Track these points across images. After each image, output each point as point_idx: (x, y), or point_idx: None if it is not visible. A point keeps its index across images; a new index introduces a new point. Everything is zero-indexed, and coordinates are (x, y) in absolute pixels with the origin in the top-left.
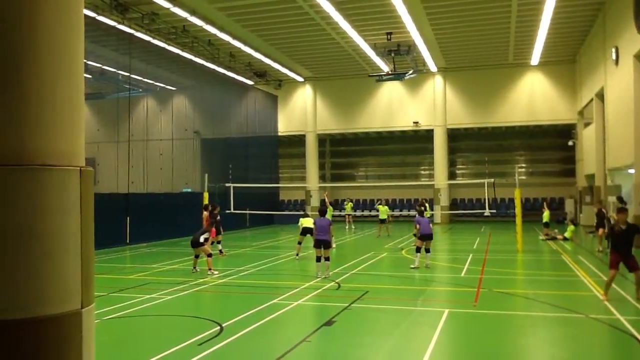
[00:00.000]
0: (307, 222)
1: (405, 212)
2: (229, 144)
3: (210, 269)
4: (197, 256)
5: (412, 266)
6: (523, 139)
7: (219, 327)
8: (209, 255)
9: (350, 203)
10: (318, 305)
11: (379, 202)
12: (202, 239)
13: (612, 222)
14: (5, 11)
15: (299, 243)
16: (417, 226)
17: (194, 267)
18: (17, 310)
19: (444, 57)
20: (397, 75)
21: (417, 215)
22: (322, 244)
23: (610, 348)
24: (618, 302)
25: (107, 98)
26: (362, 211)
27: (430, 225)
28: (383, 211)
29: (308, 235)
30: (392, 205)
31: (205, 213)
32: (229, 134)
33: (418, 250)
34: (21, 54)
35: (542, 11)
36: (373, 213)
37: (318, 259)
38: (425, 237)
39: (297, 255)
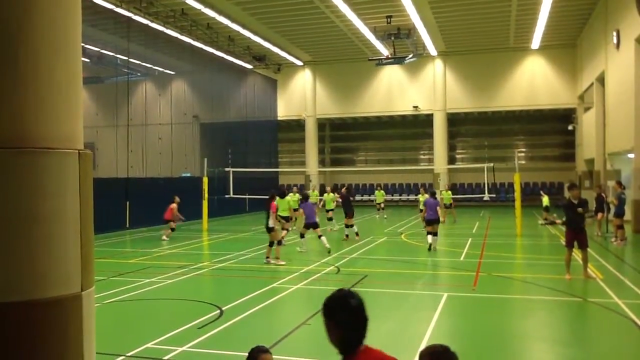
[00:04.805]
0: (282, 207)
1: (404, 197)
2: (228, 129)
3: (268, 257)
4: (271, 244)
5: (429, 249)
6: (523, 123)
7: (218, 311)
8: (279, 242)
9: (331, 194)
10: (317, 289)
11: (446, 186)
12: (271, 223)
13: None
14: None
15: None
16: (424, 207)
17: (267, 257)
18: (16, 293)
19: (444, 40)
20: (397, 59)
21: (429, 197)
22: (432, 222)
23: (608, 331)
24: (616, 286)
25: (105, 82)
26: (362, 196)
27: (438, 209)
28: (447, 197)
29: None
30: (391, 189)
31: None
32: (228, 119)
33: (429, 233)
34: (19, 38)
35: None
36: (371, 197)
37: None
38: (431, 221)
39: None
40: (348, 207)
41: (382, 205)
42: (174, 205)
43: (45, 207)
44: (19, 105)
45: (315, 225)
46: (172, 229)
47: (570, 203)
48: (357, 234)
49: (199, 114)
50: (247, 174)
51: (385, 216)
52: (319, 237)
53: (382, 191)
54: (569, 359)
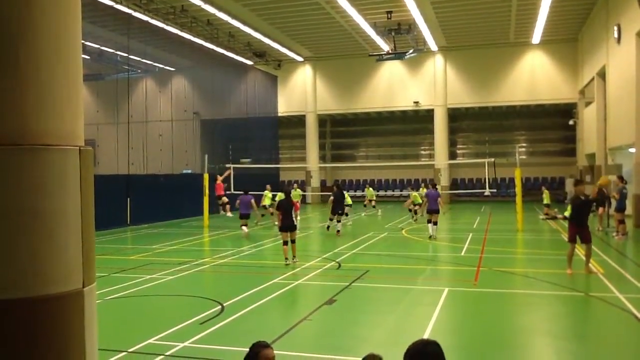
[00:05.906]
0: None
1: (405, 192)
2: (228, 125)
3: (294, 257)
4: (285, 242)
5: (429, 237)
6: (524, 118)
7: (220, 307)
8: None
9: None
10: (318, 284)
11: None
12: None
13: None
14: None
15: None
16: (424, 199)
17: (294, 257)
18: (18, 290)
19: (444, 36)
20: (397, 55)
21: (430, 189)
22: (432, 211)
23: (609, 325)
24: (617, 280)
25: (106, 79)
26: (363, 191)
27: (438, 199)
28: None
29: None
30: (392, 185)
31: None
32: (229, 115)
33: (429, 221)
34: (19, 36)
35: None
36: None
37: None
38: (430, 211)
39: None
40: (339, 206)
41: (373, 202)
42: (219, 182)
43: (46, 204)
44: (20, 103)
45: (246, 217)
46: (227, 203)
47: (578, 198)
48: (328, 227)
49: (200, 111)
50: (248, 170)
51: (379, 212)
52: (242, 226)
53: (370, 189)
54: (570, 353)
